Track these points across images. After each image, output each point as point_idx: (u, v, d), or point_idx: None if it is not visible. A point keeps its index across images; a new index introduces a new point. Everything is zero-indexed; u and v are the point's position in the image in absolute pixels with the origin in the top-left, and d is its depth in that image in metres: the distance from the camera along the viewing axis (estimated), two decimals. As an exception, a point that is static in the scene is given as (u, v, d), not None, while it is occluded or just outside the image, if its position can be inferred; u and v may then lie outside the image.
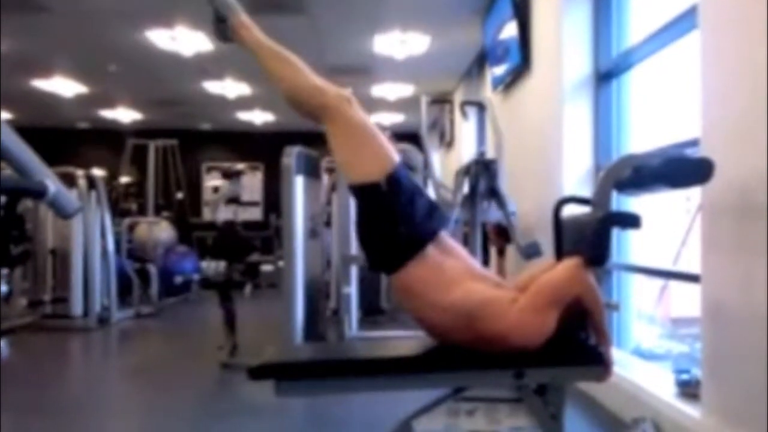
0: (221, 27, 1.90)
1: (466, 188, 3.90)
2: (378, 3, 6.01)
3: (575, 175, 4.02)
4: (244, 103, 10.70)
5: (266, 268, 9.26)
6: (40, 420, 3.27)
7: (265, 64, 1.88)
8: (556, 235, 2.00)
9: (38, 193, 1.68)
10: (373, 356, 1.82)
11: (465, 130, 8.24)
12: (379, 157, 1.70)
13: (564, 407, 1.67)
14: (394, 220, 1.67)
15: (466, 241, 4.07)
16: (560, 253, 1.96)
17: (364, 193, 1.71)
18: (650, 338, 3.91)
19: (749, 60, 2.18)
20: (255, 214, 13.64)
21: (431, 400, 1.68)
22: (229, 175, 13.26)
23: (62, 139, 12.58)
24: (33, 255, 6.23)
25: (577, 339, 1.73)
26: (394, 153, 1.74)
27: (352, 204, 4.38)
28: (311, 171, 4.73)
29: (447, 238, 1.80)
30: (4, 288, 6.87)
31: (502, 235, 4.71)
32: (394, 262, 1.68)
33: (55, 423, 3.24)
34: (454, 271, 1.70)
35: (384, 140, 1.76)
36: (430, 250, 1.68)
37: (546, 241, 2.35)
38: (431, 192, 5.99)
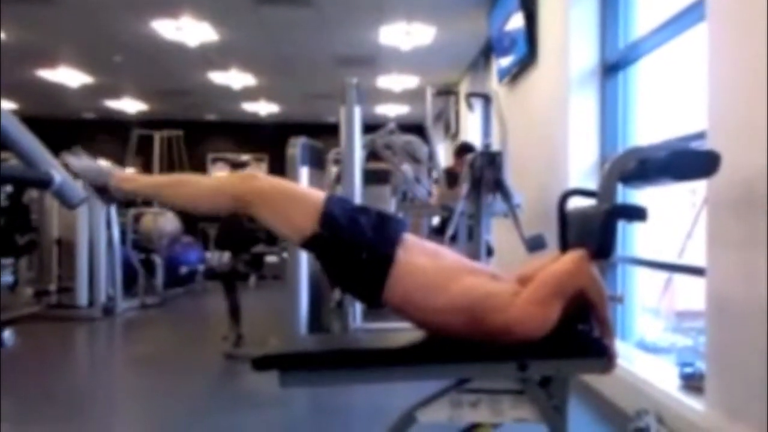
0: (104, 194, 1.84)
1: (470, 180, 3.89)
2: (383, -6, 6.00)
3: (581, 168, 4.01)
4: (249, 93, 10.70)
5: (271, 259, 9.26)
6: (47, 408, 3.30)
7: (164, 199, 1.85)
8: (561, 227, 1.99)
9: (44, 183, 1.69)
10: (376, 347, 1.83)
11: (470, 121, 8.22)
12: (304, 209, 1.68)
13: (567, 399, 1.67)
14: (351, 252, 1.65)
15: (471, 234, 4.06)
16: (565, 246, 1.96)
17: (311, 247, 1.70)
18: (654, 331, 3.91)
19: (756, 52, 2.16)
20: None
21: (434, 391, 1.69)
22: (235, 166, 13.28)
23: (68, 129, 12.60)
24: (38, 245, 6.25)
25: (581, 331, 1.73)
26: (316, 195, 1.72)
27: (358, 195, 4.39)
28: (316, 162, 4.73)
29: (417, 239, 1.79)
30: (10, 278, 6.91)
31: None
32: (374, 288, 1.66)
33: (60, 411, 3.26)
34: (444, 269, 1.70)
35: (302, 189, 1.77)
36: (402, 257, 1.67)
37: (551, 233, 2.34)
38: (434, 187, 5.99)
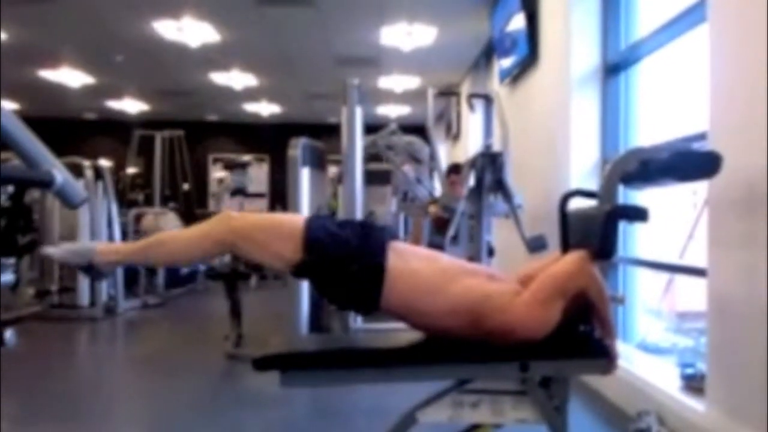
0: (92, 270, 1.79)
1: (472, 181, 3.89)
2: (385, -6, 6.01)
3: (582, 168, 4.01)
4: (250, 94, 10.70)
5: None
6: (48, 408, 3.29)
7: (153, 260, 1.85)
8: (562, 228, 1.99)
9: (45, 183, 1.69)
10: (377, 348, 1.83)
11: (472, 122, 8.22)
12: (286, 239, 1.67)
13: (568, 400, 1.67)
14: (341, 269, 1.65)
15: (473, 235, 4.06)
16: (566, 246, 1.96)
17: (301, 273, 1.71)
18: (655, 332, 3.90)
19: (757, 53, 2.16)
20: (261, 205, 13.66)
21: (435, 391, 1.69)
22: (233, 167, 13.27)
23: (69, 129, 12.61)
24: (40, 245, 6.25)
25: (583, 332, 1.73)
26: (296, 221, 1.71)
27: (359, 195, 4.39)
28: (317, 162, 4.73)
29: (407, 245, 1.80)
30: (12, 277, 6.91)
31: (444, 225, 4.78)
32: (371, 299, 1.66)
33: (62, 411, 3.26)
34: (440, 271, 1.70)
35: (280, 219, 1.77)
36: (394, 263, 1.66)
37: (552, 234, 2.34)
38: (437, 185, 6.00)
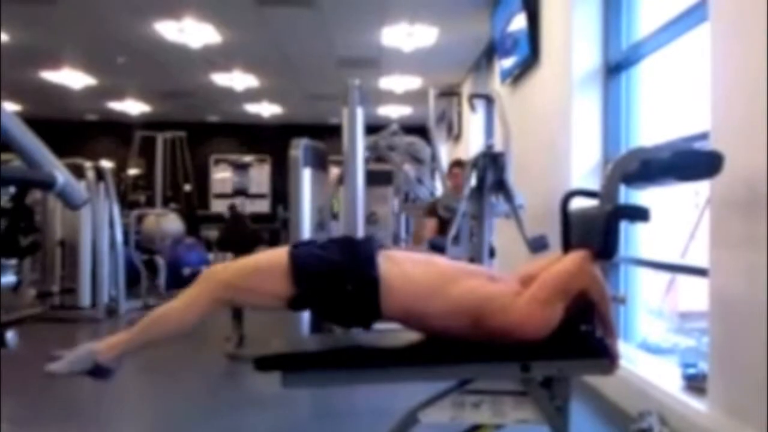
0: (99, 371, 1.75)
1: (473, 181, 3.89)
2: (386, -5, 6.01)
3: (583, 168, 4.00)
4: (251, 95, 10.71)
5: (274, 260, 9.29)
6: (50, 409, 3.30)
7: (155, 340, 1.76)
8: (564, 228, 1.99)
9: (47, 184, 1.69)
10: (379, 348, 1.83)
11: (473, 122, 8.22)
12: (274, 277, 1.66)
13: (570, 400, 1.67)
14: (336, 291, 1.64)
15: (474, 236, 4.06)
16: (567, 246, 1.96)
17: (298, 306, 1.70)
18: (657, 332, 3.90)
19: (759, 52, 2.16)
20: (262, 206, 13.67)
21: (437, 391, 1.69)
22: (239, 168, 13.26)
23: (71, 130, 12.62)
24: (42, 246, 6.26)
25: (584, 332, 1.73)
26: (279, 257, 1.69)
27: (360, 196, 4.39)
28: (318, 163, 4.73)
29: (400, 251, 1.81)
30: (14, 279, 6.91)
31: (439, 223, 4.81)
32: (371, 312, 1.66)
33: (64, 412, 3.27)
34: (438, 273, 1.70)
35: (263, 259, 1.73)
36: (388, 270, 1.66)
37: (554, 234, 2.34)
38: (438, 185, 6.00)
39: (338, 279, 1.64)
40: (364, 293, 1.63)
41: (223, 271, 1.73)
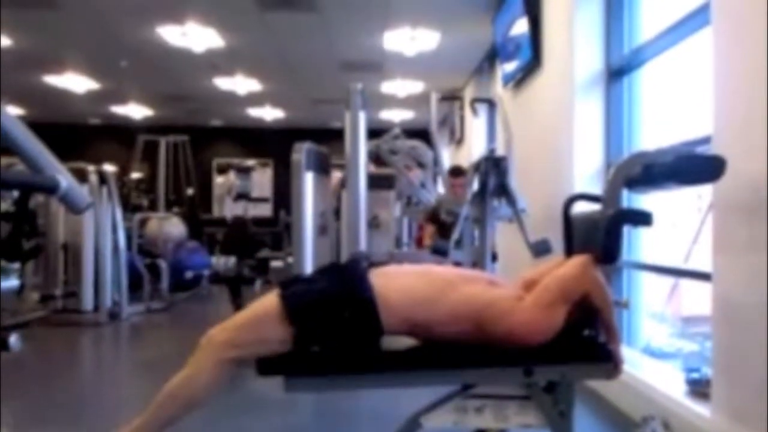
0: None
1: (476, 185, 3.89)
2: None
3: (586, 173, 4.00)
4: (254, 99, 10.73)
5: (276, 264, 9.30)
6: (53, 413, 3.30)
7: (175, 417, 1.77)
8: (566, 232, 1.99)
9: (50, 188, 1.69)
10: (381, 352, 1.83)
11: (475, 127, 8.22)
12: (270, 325, 1.65)
13: (573, 405, 1.67)
14: (334, 322, 1.62)
15: (476, 239, 4.06)
16: (570, 251, 1.95)
17: (302, 346, 1.66)
18: (660, 336, 3.89)
19: (762, 56, 2.16)
20: (265, 210, 13.68)
21: (440, 396, 1.69)
22: (241, 171, 13.28)
23: (74, 134, 12.66)
24: (44, 250, 6.27)
25: (587, 336, 1.73)
26: (270, 303, 1.67)
27: (362, 200, 4.39)
28: (321, 167, 4.73)
29: (390, 267, 1.80)
30: (17, 282, 6.92)
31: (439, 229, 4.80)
32: (374, 333, 1.65)
33: (66, 416, 3.27)
34: (437, 281, 1.69)
35: (255, 310, 1.72)
36: (382, 285, 1.65)
37: (556, 238, 2.34)
38: (440, 188, 5.99)
39: (333, 307, 1.63)
40: (362, 315, 1.62)
41: (221, 332, 1.71)
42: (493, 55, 6.92)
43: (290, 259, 4.85)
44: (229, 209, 13.14)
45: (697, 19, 2.87)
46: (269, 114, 12.20)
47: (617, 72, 3.92)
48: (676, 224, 4.26)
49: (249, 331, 1.69)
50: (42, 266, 6.55)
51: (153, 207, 9.85)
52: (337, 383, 1.71)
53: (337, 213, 6.12)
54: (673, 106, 3.81)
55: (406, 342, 1.80)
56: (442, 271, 1.79)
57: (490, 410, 1.66)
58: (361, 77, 7.32)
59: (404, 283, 1.67)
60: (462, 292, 1.66)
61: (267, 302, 1.69)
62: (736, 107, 2.36)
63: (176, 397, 1.73)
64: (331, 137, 8.34)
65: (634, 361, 3.35)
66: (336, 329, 1.63)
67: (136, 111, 11.86)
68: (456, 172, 5.01)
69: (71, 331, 5.71)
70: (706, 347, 3.14)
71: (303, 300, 1.65)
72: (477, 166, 3.87)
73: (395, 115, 11.61)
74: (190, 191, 10.62)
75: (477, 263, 3.82)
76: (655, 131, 3.72)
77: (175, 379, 1.72)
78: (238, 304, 4.48)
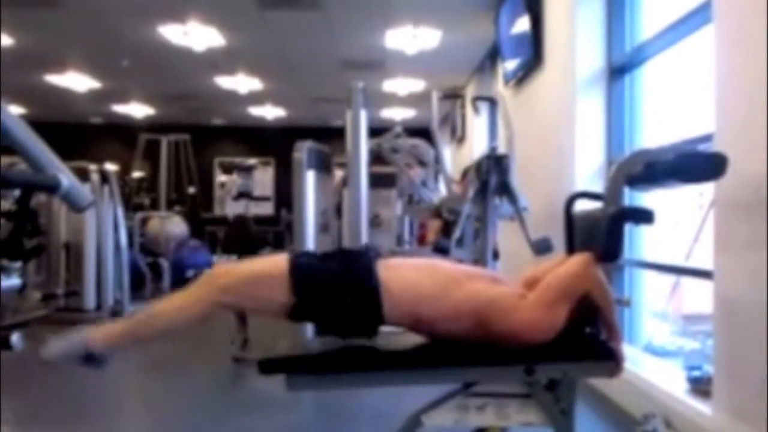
0: (91, 359, 1.73)
1: (477, 184, 3.89)
2: (389, -3, 6.01)
3: (587, 170, 4.00)
4: (255, 98, 10.73)
5: (277, 262, 9.30)
6: (55, 411, 3.30)
7: (148, 337, 1.76)
8: (568, 230, 1.99)
9: (52, 187, 1.70)
10: (383, 351, 1.83)
11: (476, 125, 8.22)
12: (273, 285, 1.64)
13: (574, 403, 1.67)
14: (335, 304, 1.62)
15: (477, 237, 4.06)
16: (571, 249, 1.95)
17: (296, 316, 1.67)
18: (662, 335, 3.89)
19: (763, 54, 2.15)
20: (266, 209, 13.68)
21: (441, 394, 1.69)
22: (243, 170, 13.29)
23: (75, 133, 12.67)
24: (46, 248, 6.27)
25: (588, 334, 1.73)
26: (279, 265, 1.66)
27: (364, 198, 4.39)
28: (322, 166, 4.73)
29: (397, 259, 1.81)
30: (18, 281, 6.93)
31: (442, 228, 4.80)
32: (374, 323, 1.65)
33: (69, 415, 3.27)
34: (441, 277, 1.69)
35: (263, 266, 1.72)
36: (388, 278, 1.65)
37: (557, 236, 2.34)
38: (442, 187, 5.99)
39: (337, 291, 1.63)
40: (365, 303, 1.62)
41: (225, 275, 1.71)
42: (495, 53, 6.91)
43: (292, 258, 4.83)
44: (230, 208, 13.17)
45: (698, 16, 2.87)
46: (270, 113, 12.20)
47: (619, 70, 3.91)
48: (678, 222, 4.26)
49: (251, 285, 1.68)
50: (44, 265, 6.56)
51: (154, 206, 9.85)
52: (339, 382, 1.72)
53: (339, 211, 6.12)
54: (674, 104, 3.80)
55: (407, 340, 1.81)
56: (447, 266, 1.79)
57: (491, 408, 1.66)
58: (363, 76, 7.31)
59: (409, 277, 1.67)
60: (465, 289, 1.66)
61: (276, 263, 1.68)
62: (738, 105, 2.36)
63: (158, 322, 1.72)
64: (332, 136, 8.34)
65: (635, 359, 3.35)
66: (335, 313, 1.64)
67: (137, 110, 11.86)
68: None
69: (73, 330, 5.71)
70: (707, 345, 3.14)
71: (311, 275, 1.65)
72: (478, 165, 3.87)
73: (396, 114, 11.60)
74: (191, 190, 10.63)
75: (478, 261, 3.82)
76: (657, 129, 3.72)
77: (163, 304, 1.71)
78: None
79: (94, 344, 1.71)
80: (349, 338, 1.70)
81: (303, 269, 1.65)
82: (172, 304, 1.71)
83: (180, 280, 7.60)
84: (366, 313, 1.63)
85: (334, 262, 1.71)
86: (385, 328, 1.71)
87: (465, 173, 5.06)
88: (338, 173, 6.32)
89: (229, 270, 1.75)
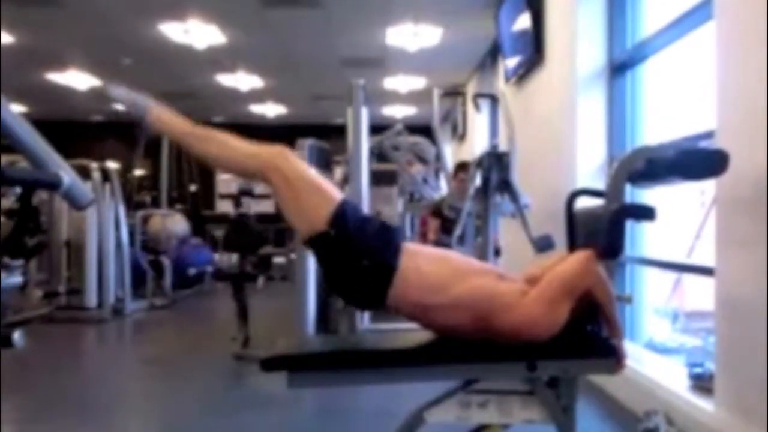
0: (138, 128, 1.89)
1: (478, 181, 3.89)
2: (390, -5, 6.01)
3: (589, 168, 4.00)
4: (256, 95, 10.73)
5: (279, 260, 9.31)
6: (57, 409, 3.31)
7: (193, 149, 1.87)
8: (569, 227, 1.99)
9: (53, 184, 1.70)
10: (384, 348, 1.83)
11: (477, 122, 8.22)
12: (319, 204, 1.67)
13: (576, 400, 1.67)
14: (354, 258, 1.64)
15: (478, 234, 4.06)
16: (573, 246, 1.95)
17: (317, 244, 1.69)
18: (663, 331, 3.89)
19: (765, 51, 2.15)
20: (268, 206, 13.67)
21: (443, 391, 1.69)
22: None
23: (76, 131, 12.67)
24: (48, 246, 6.28)
25: (590, 332, 1.73)
26: (334, 192, 1.72)
27: (365, 196, 4.39)
28: (323, 163, 4.74)
29: (420, 246, 1.82)
30: (20, 279, 6.92)
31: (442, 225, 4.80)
32: (376, 296, 1.66)
33: (71, 412, 3.27)
34: (450, 270, 1.69)
35: (323, 184, 1.74)
36: (406, 264, 1.66)
37: (559, 233, 2.34)
38: (443, 185, 6.00)
39: (362, 249, 1.65)
40: (376, 275, 1.64)
41: (292, 163, 1.74)
42: (496, 51, 6.90)
43: (293, 256, 4.85)
44: (231, 206, 13.12)
45: (699, 13, 2.87)
46: (271, 110, 12.20)
47: (620, 67, 3.91)
48: (680, 219, 4.25)
49: (303, 186, 1.71)
50: (45, 263, 6.56)
51: (156, 204, 9.83)
52: (340, 379, 1.72)
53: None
54: (676, 101, 3.80)
55: (408, 338, 1.81)
56: (459, 260, 1.78)
57: (493, 405, 1.66)
58: (364, 73, 7.31)
59: (422, 265, 1.68)
60: (469, 284, 1.66)
61: (333, 192, 1.73)
62: (739, 102, 2.35)
63: (210, 144, 1.89)
64: (333, 133, 8.33)
65: (637, 356, 3.35)
66: (348, 264, 1.66)
67: (138, 108, 11.84)
68: (463, 166, 5.02)
69: (75, 328, 5.72)
70: (708, 342, 3.14)
71: (350, 220, 1.67)
72: (479, 162, 3.87)
73: (397, 111, 11.60)
74: (193, 188, 10.62)
75: (480, 258, 3.82)
76: (658, 126, 3.71)
77: (227, 136, 1.86)
78: (240, 300, 4.49)
79: (151, 113, 1.92)
80: (347, 301, 1.73)
81: (349, 211, 1.69)
82: (234, 146, 1.83)
83: (182, 278, 7.61)
84: (371, 285, 1.65)
85: (372, 227, 1.73)
86: (386, 326, 1.71)
87: (458, 169, 5.06)
88: (339, 170, 6.32)
89: (297, 164, 1.76)
